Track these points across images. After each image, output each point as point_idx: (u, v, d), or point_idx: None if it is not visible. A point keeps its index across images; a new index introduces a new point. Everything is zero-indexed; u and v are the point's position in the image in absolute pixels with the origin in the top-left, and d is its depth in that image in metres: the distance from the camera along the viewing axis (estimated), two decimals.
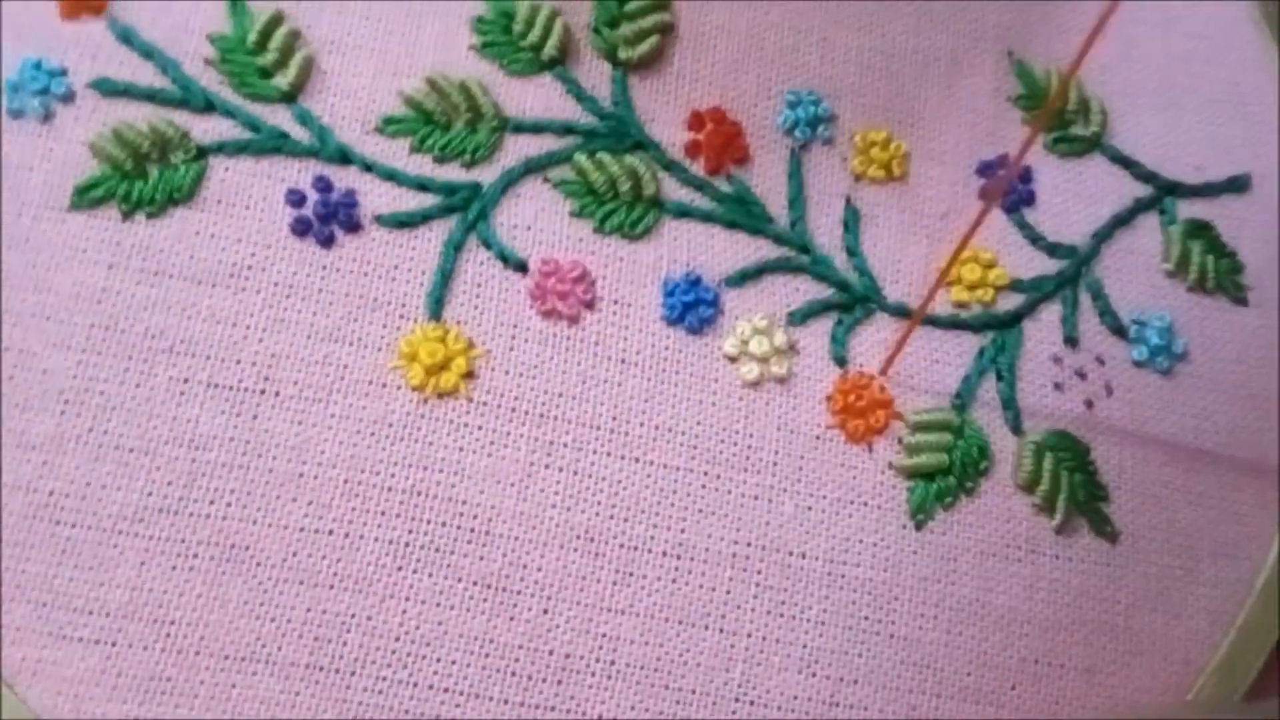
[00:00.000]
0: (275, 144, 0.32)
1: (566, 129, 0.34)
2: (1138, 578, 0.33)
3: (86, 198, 0.31)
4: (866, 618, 0.31)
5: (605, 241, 0.33)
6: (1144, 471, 0.34)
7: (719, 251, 0.34)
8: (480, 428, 0.31)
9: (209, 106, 0.32)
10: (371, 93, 0.33)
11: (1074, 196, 0.36)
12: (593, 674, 0.30)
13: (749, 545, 0.31)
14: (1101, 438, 0.34)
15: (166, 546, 0.29)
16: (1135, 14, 0.38)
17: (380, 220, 0.32)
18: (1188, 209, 0.37)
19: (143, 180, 0.31)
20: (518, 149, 0.33)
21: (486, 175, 0.33)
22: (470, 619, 0.30)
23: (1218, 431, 0.34)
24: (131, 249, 0.31)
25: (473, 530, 0.31)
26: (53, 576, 0.29)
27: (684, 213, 0.34)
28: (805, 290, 0.34)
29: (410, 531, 0.30)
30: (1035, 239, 0.35)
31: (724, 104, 0.35)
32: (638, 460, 0.32)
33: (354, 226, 0.32)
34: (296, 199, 0.32)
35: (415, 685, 0.29)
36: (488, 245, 0.33)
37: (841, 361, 0.33)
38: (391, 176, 0.33)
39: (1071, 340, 0.35)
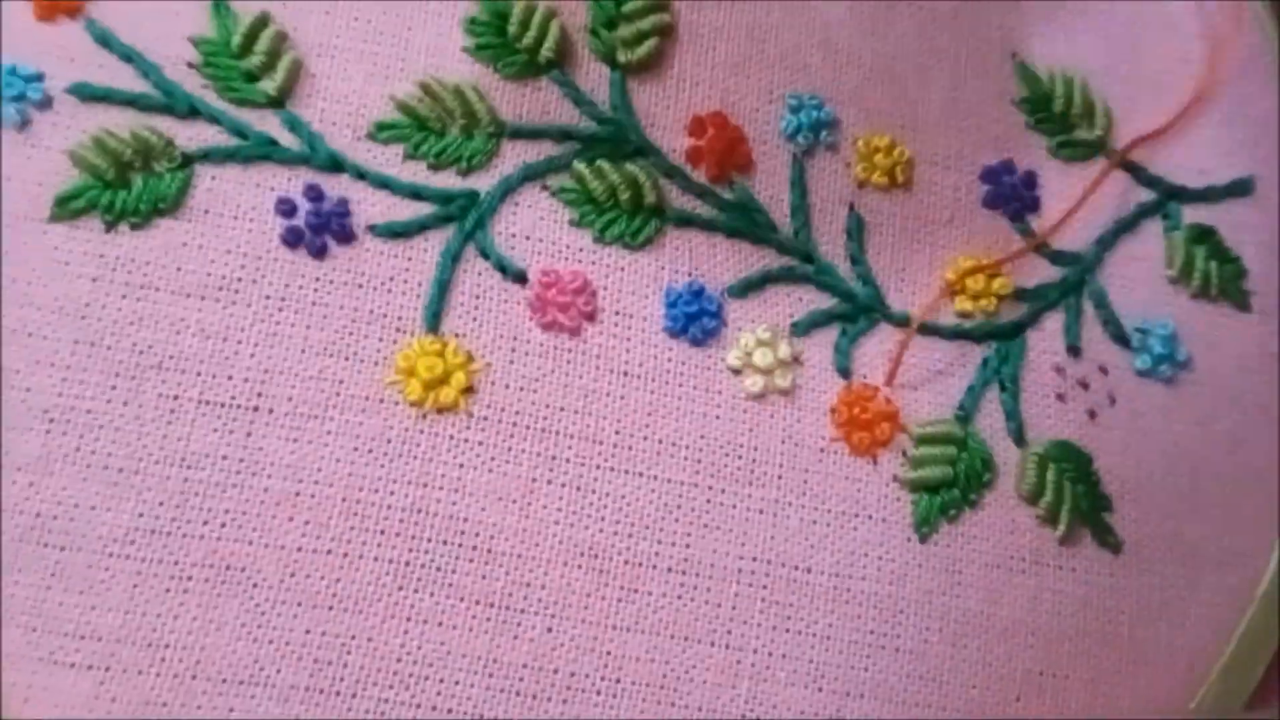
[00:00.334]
0: (264, 151, 0.31)
1: (565, 134, 0.33)
2: (1141, 588, 0.33)
3: (67, 208, 0.30)
4: (872, 631, 0.31)
5: (606, 251, 0.33)
6: (1147, 481, 0.34)
7: (721, 260, 0.33)
8: (481, 443, 0.31)
9: (193, 112, 0.31)
10: (362, 97, 0.32)
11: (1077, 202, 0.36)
12: (598, 692, 0.30)
13: (754, 560, 0.31)
14: (1104, 448, 0.34)
15: (159, 569, 0.29)
16: (1137, 17, 0.38)
17: (374, 230, 0.31)
18: (1191, 214, 0.37)
19: (126, 190, 0.30)
20: (515, 155, 0.33)
21: (483, 183, 0.32)
22: (473, 639, 0.29)
23: (1219, 440, 0.35)
24: (116, 261, 0.30)
25: (474, 548, 0.30)
26: (42, 600, 0.28)
27: (686, 221, 0.33)
28: (809, 300, 0.34)
29: (410, 550, 0.30)
30: (1040, 244, 0.35)
31: (725, 108, 0.34)
32: (641, 475, 0.31)
33: (347, 237, 0.31)
34: (287, 209, 0.31)
35: (418, 707, 0.29)
36: (486, 255, 0.32)
37: (845, 373, 0.33)
38: (385, 185, 0.32)
39: (1074, 350, 0.34)
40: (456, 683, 0.29)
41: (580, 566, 0.30)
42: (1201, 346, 0.35)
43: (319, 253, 0.31)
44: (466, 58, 0.33)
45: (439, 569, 0.30)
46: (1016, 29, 0.37)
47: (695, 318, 0.32)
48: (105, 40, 0.31)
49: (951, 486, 0.32)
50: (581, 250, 0.32)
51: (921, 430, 0.33)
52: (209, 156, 0.31)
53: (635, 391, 0.32)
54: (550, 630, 0.30)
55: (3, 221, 0.30)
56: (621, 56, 0.34)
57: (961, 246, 0.35)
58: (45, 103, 0.30)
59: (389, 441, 0.30)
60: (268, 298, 0.30)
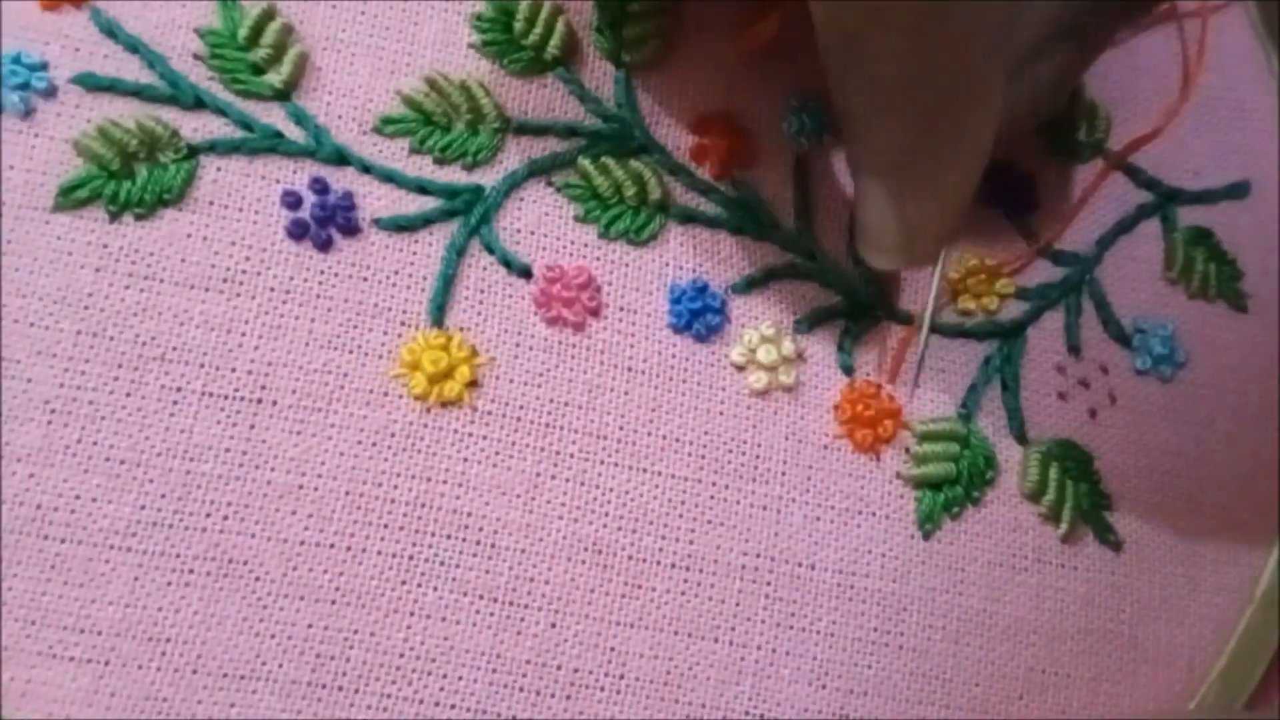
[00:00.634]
0: (269, 143, 0.31)
1: (570, 131, 0.33)
2: (1142, 586, 0.33)
3: (71, 198, 0.29)
4: (875, 629, 0.31)
5: (611, 247, 0.33)
6: (1147, 480, 0.34)
7: (725, 257, 0.33)
8: (485, 438, 0.30)
9: (199, 103, 0.31)
10: (369, 91, 0.32)
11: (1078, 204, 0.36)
12: (602, 688, 0.30)
13: (758, 556, 0.31)
14: (1105, 446, 0.34)
15: (160, 561, 0.28)
16: None
17: (380, 223, 0.31)
18: (1189, 215, 0.37)
19: (130, 180, 0.30)
20: (520, 151, 0.33)
21: (488, 178, 0.32)
22: (477, 633, 0.29)
23: (1218, 439, 0.35)
24: (120, 252, 0.30)
25: (478, 543, 0.30)
26: (42, 593, 0.28)
27: (690, 218, 0.33)
28: (812, 297, 0.34)
29: (414, 544, 0.30)
30: (1044, 248, 0.35)
31: (730, 107, 0.34)
32: (645, 471, 0.31)
33: (352, 230, 0.31)
34: (292, 201, 0.31)
35: (421, 702, 0.29)
36: (490, 250, 0.32)
37: (849, 370, 0.33)
38: (390, 178, 0.31)
39: (1075, 349, 0.35)
40: (460, 678, 0.29)
41: (584, 562, 0.30)
42: (1200, 347, 0.36)
43: (324, 245, 0.31)
44: (473, 54, 0.33)
45: (442, 563, 0.30)
46: None
47: (699, 314, 0.32)
48: (111, 30, 0.31)
49: (955, 484, 0.32)
50: (586, 246, 0.32)
51: (924, 427, 0.33)
52: (214, 148, 0.31)
53: (639, 387, 0.32)
54: (554, 626, 0.30)
55: (5, 211, 0.29)
56: (626, 55, 0.34)
57: (963, 245, 0.35)
58: (50, 92, 0.30)
59: (393, 435, 0.30)
60: (272, 290, 0.30)
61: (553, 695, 0.29)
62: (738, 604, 0.31)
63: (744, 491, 0.31)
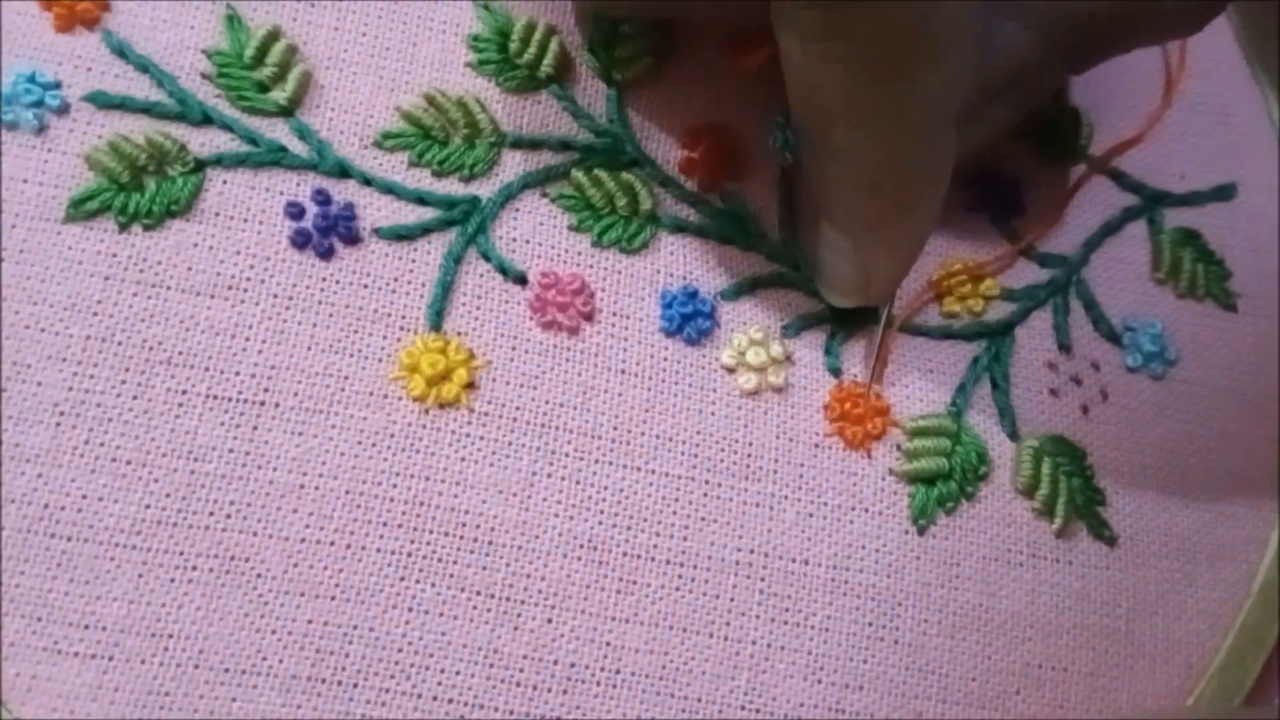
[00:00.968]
0: (274, 157, 0.32)
1: (564, 145, 0.34)
2: (1137, 581, 0.33)
3: (82, 210, 0.31)
4: (871, 624, 0.31)
5: (603, 255, 0.33)
6: (1140, 476, 0.34)
7: (714, 265, 0.34)
8: (482, 438, 0.31)
9: (206, 120, 0.32)
10: (370, 108, 0.33)
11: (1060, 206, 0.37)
12: (598, 684, 0.30)
13: (752, 552, 0.31)
14: (1098, 442, 0.34)
15: (164, 559, 0.29)
16: None
17: (379, 233, 0.32)
18: (1175, 218, 0.38)
19: (139, 192, 0.31)
20: (516, 164, 0.34)
21: (485, 190, 0.33)
22: (474, 629, 0.30)
23: (1211, 436, 0.35)
24: (128, 261, 0.31)
25: (475, 540, 0.30)
26: (48, 590, 0.28)
27: (680, 228, 0.34)
28: (797, 305, 0.34)
29: (413, 542, 0.30)
30: (1025, 249, 0.36)
31: (718, 122, 0.35)
32: (640, 469, 0.32)
33: (353, 239, 0.32)
34: (295, 211, 0.32)
35: (419, 697, 0.29)
36: (487, 258, 0.33)
37: (836, 372, 0.34)
38: (390, 190, 0.33)
39: (1065, 347, 0.35)
40: (457, 673, 0.29)
41: (580, 559, 0.31)
42: (1190, 344, 0.36)
43: (326, 254, 0.32)
44: (470, 72, 0.34)
45: (440, 560, 0.30)
46: None
47: (690, 318, 0.33)
48: (122, 51, 0.32)
49: (948, 479, 0.33)
50: (580, 254, 0.33)
51: (914, 424, 0.33)
52: (221, 161, 0.32)
53: (633, 389, 0.32)
54: (550, 621, 0.30)
55: (18, 222, 0.30)
56: (618, 74, 0.35)
57: (947, 250, 0.36)
58: (63, 109, 0.31)
59: (392, 436, 0.31)
60: (275, 296, 0.31)
61: (549, 690, 0.30)
62: (733, 599, 0.31)
63: (737, 489, 0.32)
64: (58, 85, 0.32)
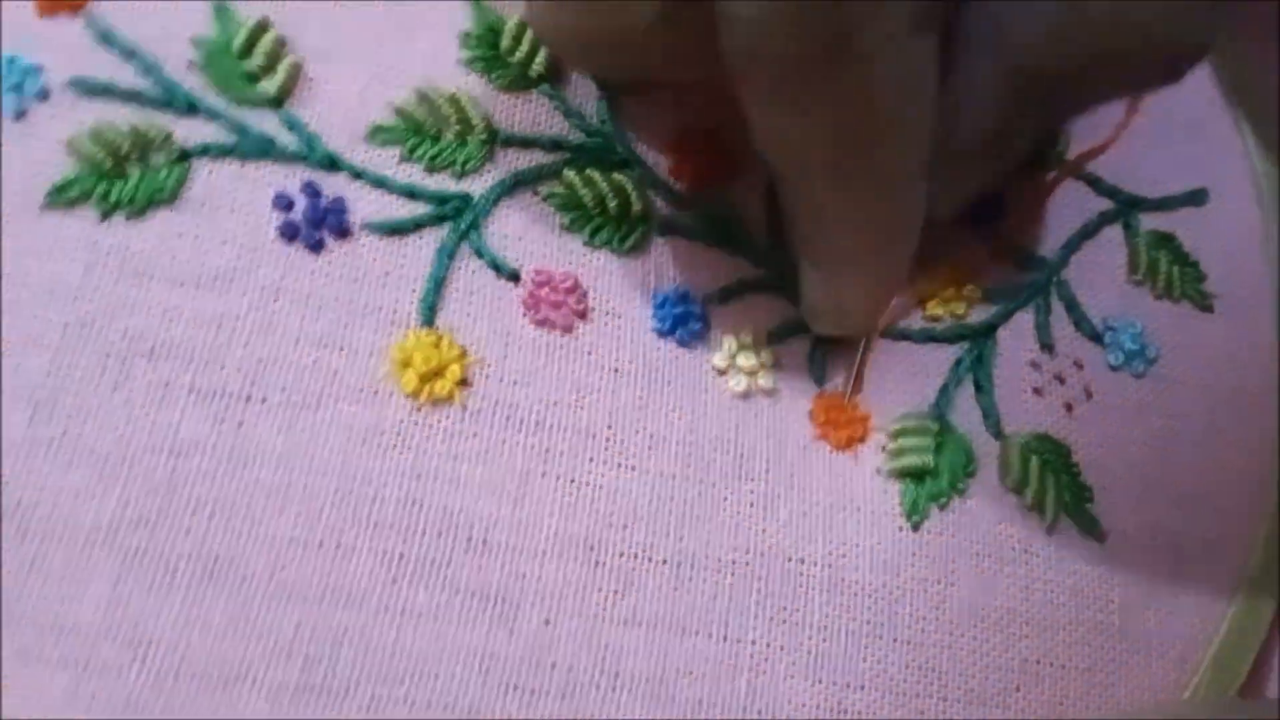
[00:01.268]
0: (262, 148, 0.31)
1: (555, 144, 0.34)
2: (1128, 577, 0.33)
3: (62, 197, 0.30)
4: (869, 622, 0.31)
5: (596, 255, 0.33)
6: (1126, 472, 0.34)
7: (704, 268, 0.34)
8: (475, 435, 0.30)
9: (192, 109, 0.31)
10: (360, 102, 0.33)
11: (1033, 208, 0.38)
12: (597, 686, 0.29)
13: (747, 552, 0.31)
14: (1083, 440, 0.34)
15: (144, 560, 0.27)
16: None
17: (370, 227, 0.32)
18: (1149, 222, 0.38)
19: (122, 181, 0.30)
20: (507, 162, 0.33)
21: (477, 186, 0.33)
22: (469, 632, 0.29)
23: (1193, 431, 0.36)
24: (110, 249, 0.30)
25: (469, 540, 0.29)
26: (19, 593, 0.27)
27: (670, 229, 0.34)
28: (782, 310, 0.34)
29: (405, 543, 0.29)
30: (1006, 251, 0.37)
31: (707, 127, 0.35)
32: (634, 469, 0.31)
33: (344, 232, 0.31)
34: (284, 203, 0.31)
35: (413, 704, 0.28)
36: (480, 255, 0.32)
37: (820, 380, 0.34)
38: (381, 184, 0.32)
39: (1048, 346, 0.36)
40: (452, 678, 0.28)
41: (576, 559, 0.30)
42: (1169, 343, 0.37)
43: (315, 247, 0.31)
44: (462, 69, 0.34)
45: (434, 562, 0.29)
46: None
47: (682, 320, 0.33)
48: (107, 37, 0.31)
49: (937, 475, 0.33)
50: (572, 253, 0.33)
51: (898, 425, 0.33)
52: (207, 151, 0.31)
53: (626, 388, 0.32)
54: (547, 623, 0.29)
55: None
56: None
57: (929, 254, 0.36)
58: (44, 94, 0.30)
59: (383, 433, 0.30)
60: (263, 288, 0.30)
61: (547, 694, 0.29)
62: (730, 599, 0.30)
63: (730, 488, 0.32)
64: (39, 70, 0.30)
